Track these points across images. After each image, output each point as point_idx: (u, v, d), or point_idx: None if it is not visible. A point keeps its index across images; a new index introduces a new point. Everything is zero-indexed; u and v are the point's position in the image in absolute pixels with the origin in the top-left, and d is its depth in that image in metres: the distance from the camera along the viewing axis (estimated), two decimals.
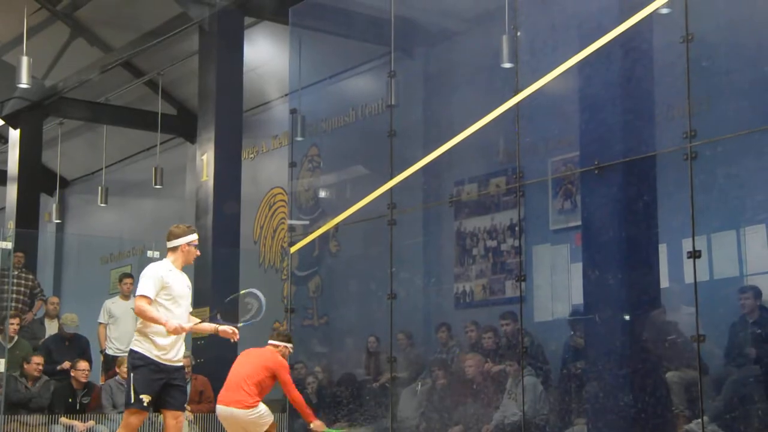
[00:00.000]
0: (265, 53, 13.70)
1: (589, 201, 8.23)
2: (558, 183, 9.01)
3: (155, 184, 14.94)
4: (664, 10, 7.55)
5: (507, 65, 8.95)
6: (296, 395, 8.23)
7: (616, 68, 8.02)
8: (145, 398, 6.52)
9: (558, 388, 8.37)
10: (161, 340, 6.55)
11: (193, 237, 6.84)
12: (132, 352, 6.61)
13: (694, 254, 7.13)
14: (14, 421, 9.62)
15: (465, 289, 9.77)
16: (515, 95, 8.49)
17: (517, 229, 8.88)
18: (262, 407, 8.03)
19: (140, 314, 6.59)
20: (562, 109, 8.83)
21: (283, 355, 8.29)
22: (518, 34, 8.86)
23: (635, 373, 7.60)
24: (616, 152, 7.89)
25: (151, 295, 6.54)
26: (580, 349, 8.19)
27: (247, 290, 7.24)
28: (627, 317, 7.73)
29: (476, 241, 9.70)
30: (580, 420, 8.03)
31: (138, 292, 6.61)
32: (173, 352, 6.69)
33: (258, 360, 8.17)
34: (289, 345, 8.39)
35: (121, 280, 11.76)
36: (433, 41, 10.79)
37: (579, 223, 8.45)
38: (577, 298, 8.33)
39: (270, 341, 8.36)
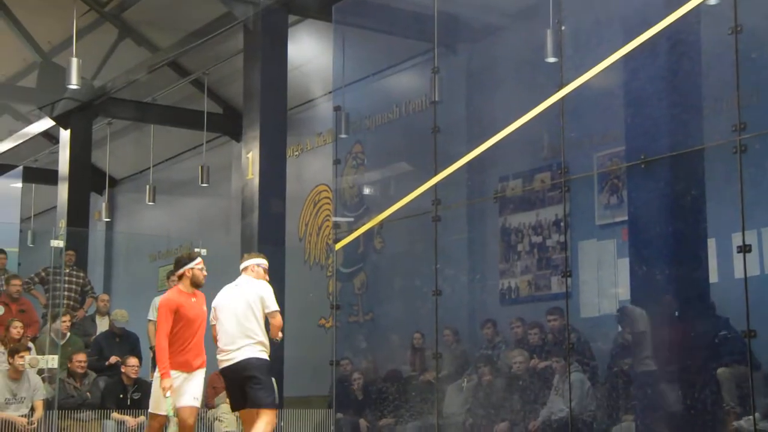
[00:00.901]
0: (309, 51, 13.69)
1: (636, 196, 8.10)
2: (604, 178, 8.89)
3: (201, 183, 15.01)
4: (712, 2, 7.40)
5: (551, 60, 8.84)
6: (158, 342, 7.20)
7: (663, 61, 7.87)
8: None
9: (605, 385, 8.26)
10: None
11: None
12: (264, 359, 7.07)
13: (744, 249, 6.96)
14: (68, 417, 9.72)
15: (510, 285, 9.69)
16: (560, 90, 8.38)
17: (562, 224, 8.78)
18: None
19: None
20: (608, 103, 8.70)
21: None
22: (562, 28, 8.74)
23: (684, 370, 7.46)
24: (662, 146, 7.75)
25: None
26: (628, 345, 8.06)
27: None
28: (676, 313, 7.59)
29: (521, 237, 9.62)
30: (628, 417, 7.92)
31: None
32: None
33: None
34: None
35: (168, 277, 11.81)
36: (476, 37, 10.70)
37: (625, 218, 8.32)
38: (625, 293, 8.20)
39: None
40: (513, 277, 9.67)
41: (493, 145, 8.93)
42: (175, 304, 7.09)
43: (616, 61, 7.92)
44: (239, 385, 7.01)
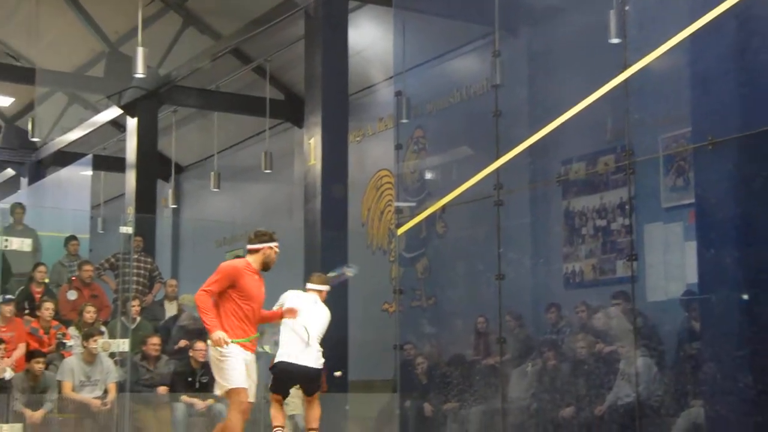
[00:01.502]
0: (369, 36, 13.64)
1: (703, 178, 7.92)
2: (670, 160, 8.71)
3: (265, 169, 15.09)
4: None
5: (615, 41, 8.67)
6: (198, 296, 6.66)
7: (730, 40, 7.66)
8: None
9: (673, 370, 8.12)
10: None
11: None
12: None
13: None
14: (138, 400, 9.87)
15: (574, 269, 9.56)
16: (623, 71, 8.21)
17: (627, 207, 8.63)
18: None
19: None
20: (673, 84, 8.51)
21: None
22: (626, 8, 8.56)
23: (755, 354, 7.27)
24: (731, 127, 7.55)
25: None
26: (697, 330, 7.90)
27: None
28: (745, 296, 7.40)
29: (585, 221, 9.48)
30: (696, 402, 7.78)
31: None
32: None
33: None
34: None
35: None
36: (537, 19, 10.55)
37: (692, 200, 8.15)
38: (692, 277, 8.03)
39: None
40: (577, 261, 9.54)
41: (556, 128, 8.80)
42: (237, 272, 6.59)
43: (682, 40, 7.73)
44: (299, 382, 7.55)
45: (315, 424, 7.64)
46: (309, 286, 8.00)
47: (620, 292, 8.58)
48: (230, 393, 6.49)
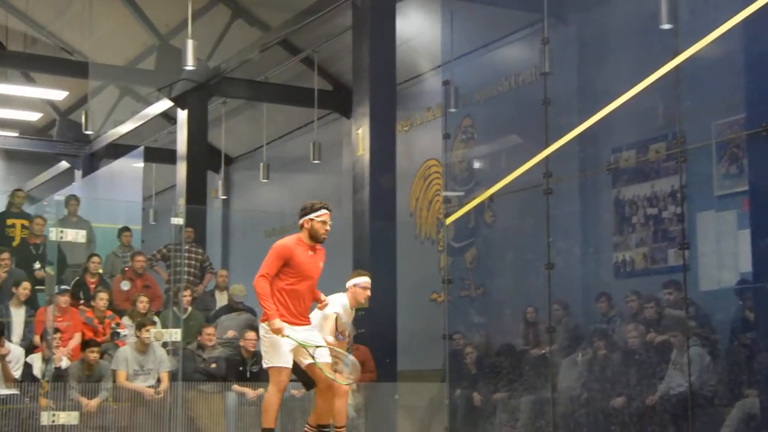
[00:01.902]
0: (417, 25, 13.61)
1: (758, 165, 7.79)
2: (722, 147, 8.57)
3: (313, 159, 15.14)
4: None
5: (666, 26, 8.56)
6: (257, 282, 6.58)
7: None
8: None
9: (727, 359, 8.01)
10: None
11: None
12: None
13: None
14: (192, 389, 9.98)
15: (625, 258, 9.46)
16: (675, 57, 8.09)
17: (679, 195, 8.51)
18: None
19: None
20: (726, 70, 8.38)
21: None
22: None
23: None
24: None
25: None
26: (751, 319, 7.77)
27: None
28: None
29: (636, 209, 9.37)
30: (751, 391, 7.66)
31: None
32: None
33: None
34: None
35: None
36: (587, 5, 10.43)
37: (746, 188, 8.02)
38: (746, 265, 7.90)
39: None
40: (627, 249, 9.43)
41: (606, 115, 8.72)
42: (288, 250, 6.52)
43: (735, 25, 7.60)
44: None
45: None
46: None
47: (672, 281, 8.47)
48: (270, 371, 6.58)
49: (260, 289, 6.47)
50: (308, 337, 6.61)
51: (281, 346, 6.49)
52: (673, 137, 8.52)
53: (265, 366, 6.71)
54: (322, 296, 6.98)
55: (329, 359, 6.70)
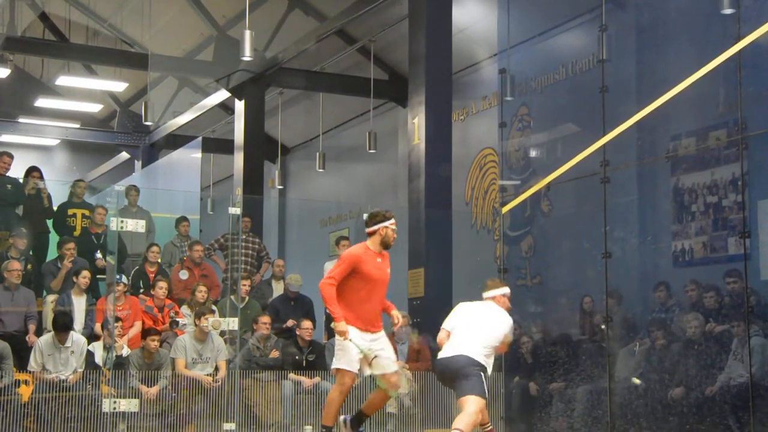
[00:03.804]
0: (473, 14, 13.57)
1: None
2: None
3: (369, 149, 15.21)
4: None
5: (727, 11, 8.41)
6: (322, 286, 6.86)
7: None
8: None
9: None
10: None
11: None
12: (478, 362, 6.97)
13: None
14: (248, 377, 10.11)
15: (684, 246, 9.34)
16: (737, 43, 7.96)
17: (739, 183, 8.38)
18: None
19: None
20: None
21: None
22: None
23: None
24: None
25: None
26: None
27: None
28: None
29: (695, 197, 9.24)
30: None
31: None
32: None
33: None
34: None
35: (338, 243, 12.03)
36: None
37: None
38: None
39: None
40: (687, 238, 9.31)
41: (665, 102, 8.61)
42: (358, 259, 6.81)
43: None
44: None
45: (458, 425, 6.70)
46: (484, 294, 7.58)
47: (733, 270, 8.36)
48: (337, 372, 6.88)
49: (326, 293, 6.77)
50: (373, 346, 6.81)
51: (351, 350, 6.76)
52: (734, 124, 8.39)
53: (333, 367, 6.96)
54: (394, 311, 7.12)
55: (390, 369, 6.86)
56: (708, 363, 8.45)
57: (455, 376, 6.86)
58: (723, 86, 8.61)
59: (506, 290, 7.56)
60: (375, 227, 6.92)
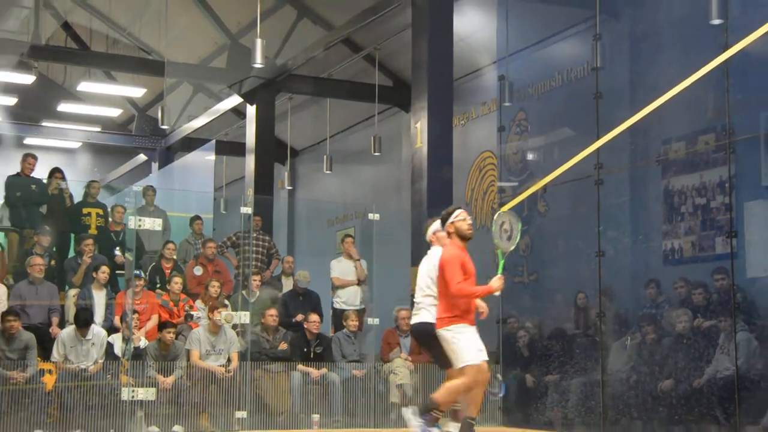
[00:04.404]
0: (473, 23, 13.55)
1: None
2: None
3: (374, 152, 15.19)
4: None
5: (716, 21, 8.40)
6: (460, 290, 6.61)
7: None
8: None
9: None
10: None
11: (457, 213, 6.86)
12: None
13: None
14: (259, 368, 10.11)
15: (673, 246, 9.32)
16: (725, 51, 7.93)
17: (727, 185, 8.36)
18: (457, 330, 6.66)
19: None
20: None
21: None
22: None
23: None
24: None
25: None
26: None
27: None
28: None
29: (684, 199, 9.22)
30: None
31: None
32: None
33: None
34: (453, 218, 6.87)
35: (342, 240, 12.04)
36: (639, 2, 10.28)
37: None
38: None
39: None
40: (676, 238, 9.30)
41: (656, 108, 8.58)
42: (460, 256, 6.67)
43: None
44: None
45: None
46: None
47: (721, 268, 8.34)
48: (469, 369, 6.57)
49: (466, 290, 6.59)
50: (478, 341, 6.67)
51: (475, 341, 6.61)
52: (722, 129, 8.37)
53: (462, 364, 6.61)
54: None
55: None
56: (696, 356, 8.43)
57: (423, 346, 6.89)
58: (711, 93, 8.58)
59: (435, 226, 7.24)
60: (444, 228, 6.87)
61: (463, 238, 6.79)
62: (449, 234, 6.83)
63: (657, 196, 9.57)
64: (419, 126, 11.84)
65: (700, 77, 7.91)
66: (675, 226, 9.33)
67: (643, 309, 9.35)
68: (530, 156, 11.21)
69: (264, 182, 15.82)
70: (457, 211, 6.84)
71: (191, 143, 18.99)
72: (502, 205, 10.83)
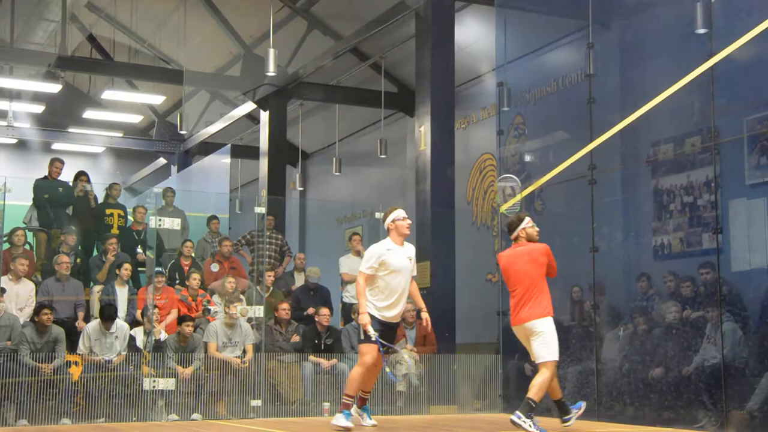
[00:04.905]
0: (474, 33, 13.60)
1: None
2: (754, 140, 8.42)
3: (380, 154, 15.24)
4: None
5: (701, 31, 8.42)
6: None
7: None
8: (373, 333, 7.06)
9: (757, 333, 7.88)
10: (380, 303, 7.24)
11: (396, 214, 7.31)
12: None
13: None
14: (273, 359, 10.15)
15: (663, 242, 9.35)
16: (710, 59, 7.98)
17: (713, 184, 8.39)
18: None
19: (356, 290, 7.25)
20: (758, 70, 8.22)
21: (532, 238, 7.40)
22: (712, 0, 8.30)
23: None
24: None
25: (367, 272, 7.14)
26: None
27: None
28: None
29: (673, 198, 9.25)
30: None
31: (359, 269, 7.24)
32: (392, 313, 7.22)
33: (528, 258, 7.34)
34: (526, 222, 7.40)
35: (350, 238, 12.08)
36: (628, 12, 10.31)
37: None
38: None
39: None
40: (665, 234, 9.33)
41: (646, 112, 8.62)
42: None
43: (766, 29, 7.45)
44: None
45: None
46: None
47: (707, 263, 8.37)
48: (550, 364, 7.04)
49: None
50: None
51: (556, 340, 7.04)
52: (708, 132, 8.40)
53: (544, 360, 7.03)
54: None
55: None
56: (685, 346, 8.46)
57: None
58: (698, 98, 8.61)
59: (396, 213, 7.45)
60: (515, 232, 7.32)
61: (532, 240, 7.30)
62: (517, 237, 7.29)
63: (647, 195, 9.60)
64: (423, 130, 11.89)
65: (687, 83, 7.96)
66: (664, 223, 9.37)
67: (634, 301, 9.37)
68: (527, 158, 11.25)
69: (277, 184, 15.88)
70: (523, 220, 7.33)
71: (208, 147, 19.06)
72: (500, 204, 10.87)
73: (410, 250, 7.40)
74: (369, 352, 7.12)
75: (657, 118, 8.93)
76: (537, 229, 7.33)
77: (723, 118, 8.26)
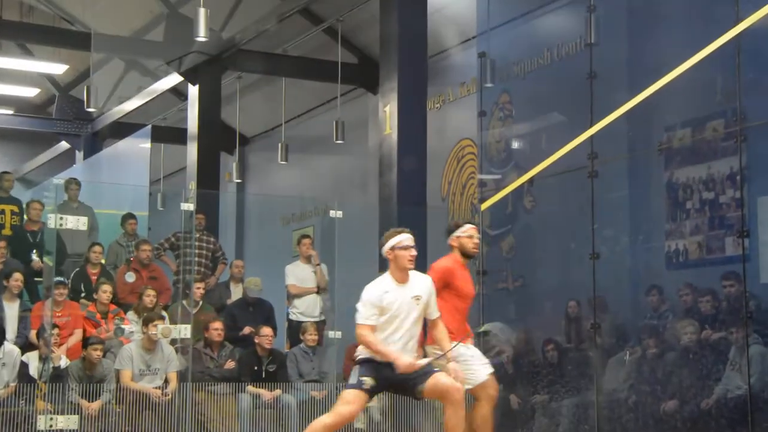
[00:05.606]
0: None
1: None
2: None
3: (336, 139, 15.26)
4: None
5: None
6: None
7: None
8: (368, 380, 6.40)
9: None
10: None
11: (398, 240, 6.56)
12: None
13: None
14: (202, 390, 10.11)
15: (678, 247, 9.46)
16: (736, 26, 8.08)
17: (738, 178, 8.51)
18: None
19: (367, 346, 6.46)
20: None
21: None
22: None
23: None
24: None
25: (370, 323, 6.40)
26: None
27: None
28: None
29: (690, 193, 9.36)
30: None
31: (357, 321, 6.50)
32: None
33: None
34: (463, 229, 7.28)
35: (299, 241, 12.03)
36: None
37: None
38: None
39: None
40: (681, 238, 9.43)
41: (658, 90, 8.71)
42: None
43: None
44: None
45: None
46: None
47: (731, 273, 8.48)
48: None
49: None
50: None
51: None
52: (733, 114, 8.51)
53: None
54: None
55: None
56: (704, 373, 8.57)
57: None
58: (721, 73, 8.73)
59: (398, 239, 6.68)
60: (450, 238, 7.29)
61: (466, 256, 7.25)
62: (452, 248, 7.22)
63: (659, 190, 9.70)
64: (388, 110, 11.92)
65: (708, 55, 8.06)
66: (679, 225, 9.48)
67: (643, 319, 9.48)
68: (515, 144, 11.33)
69: (208, 174, 15.84)
70: (465, 227, 7.25)
71: (122, 129, 18.95)
72: (482, 200, 10.94)
73: (418, 286, 6.58)
74: (353, 402, 6.35)
75: (671, 97, 9.04)
76: (476, 241, 7.22)
77: (751, 97, 8.38)
